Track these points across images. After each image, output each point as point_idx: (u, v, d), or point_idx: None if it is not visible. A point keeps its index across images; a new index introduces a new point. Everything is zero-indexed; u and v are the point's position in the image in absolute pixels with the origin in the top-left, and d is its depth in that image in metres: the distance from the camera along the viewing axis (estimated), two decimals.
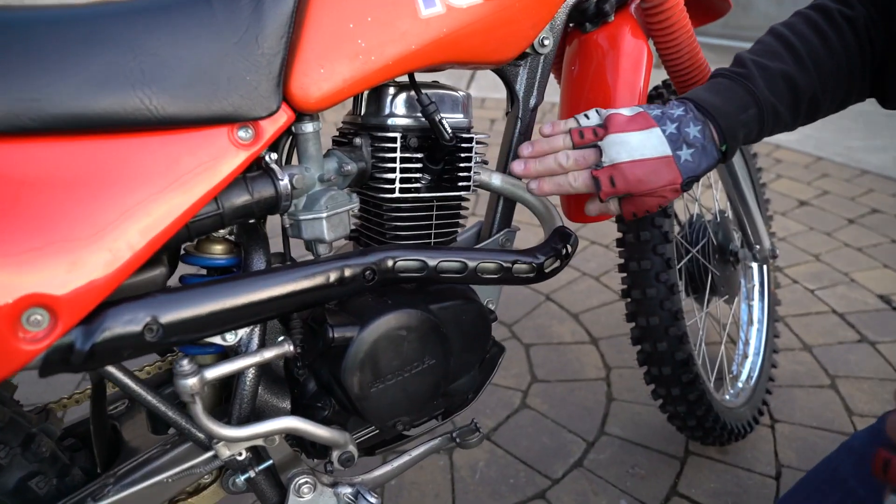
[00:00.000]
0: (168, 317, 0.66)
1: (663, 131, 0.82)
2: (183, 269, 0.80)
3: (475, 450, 1.46)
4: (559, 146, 0.86)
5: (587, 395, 1.65)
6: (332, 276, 0.74)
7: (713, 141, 0.84)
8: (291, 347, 0.74)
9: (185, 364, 0.68)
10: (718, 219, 1.49)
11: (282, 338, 0.78)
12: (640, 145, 0.81)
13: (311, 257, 0.81)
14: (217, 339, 0.74)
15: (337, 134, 0.92)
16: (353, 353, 0.76)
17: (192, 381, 0.68)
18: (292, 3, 0.70)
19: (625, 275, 1.18)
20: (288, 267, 0.74)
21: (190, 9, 0.67)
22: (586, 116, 0.87)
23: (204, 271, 0.83)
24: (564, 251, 0.90)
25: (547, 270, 0.88)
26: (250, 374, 0.77)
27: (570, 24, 1.09)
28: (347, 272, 0.75)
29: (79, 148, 0.63)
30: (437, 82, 0.91)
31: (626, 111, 0.85)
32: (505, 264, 0.84)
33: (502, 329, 1.90)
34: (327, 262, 0.75)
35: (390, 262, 0.77)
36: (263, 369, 0.82)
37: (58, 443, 0.81)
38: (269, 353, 0.73)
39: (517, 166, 0.88)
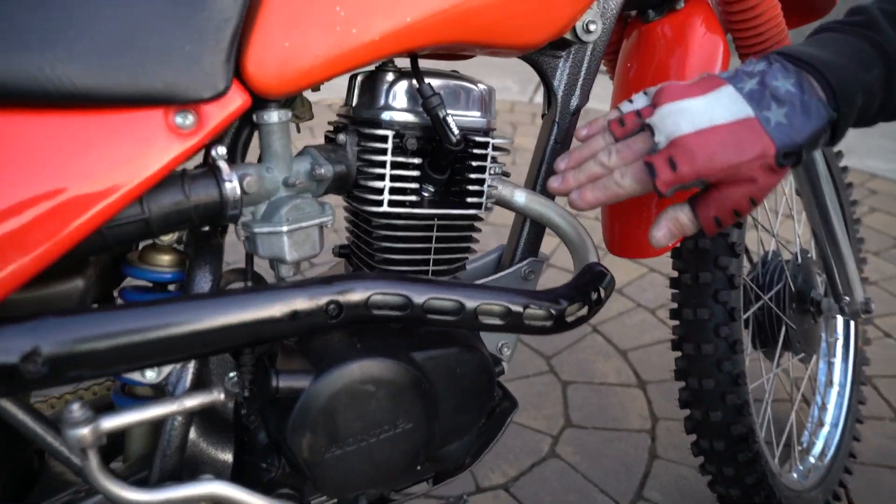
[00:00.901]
0: (56, 347, 0.51)
1: (739, 89, 0.61)
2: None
3: (488, 502, 1.28)
4: (599, 147, 0.68)
5: (627, 448, 1.43)
6: (281, 309, 0.57)
7: (817, 97, 0.60)
8: (222, 396, 0.58)
9: (76, 410, 0.53)
10: (799, 259, 1.26)
11: (218, 383, 0.62)
12: (706, 109, 0.60)
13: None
14: (135, 376, 0.59)
15: (330, 130, 0.76)
16: (302, 409, 0.59)
17: (82, 433, 0.52)
18: None
19: (677, 323, 0.98)
20: (224, 293, 0.58)
21: None
22: (629, 101, 0.68)
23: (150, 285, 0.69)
24: (595, 296, 0.71)
25: (569, 319, 0.69)
26: (178, 420, 0.62)
27: (631, 12, 0.90)
28: (302, 304, 0.58)
29: None
30: (456, 72, 0.74)
31: (682, 81, 0.65)
32: (514, 308, 0.66)
33: (538, 361, 1.70)
34: (277, 290, 0.58)
35: (360, 296, 0.60)
36: (204, 413, 0.67)
37: None
38: (190, 402, 0.57)
39: (554, 182, 0.71)
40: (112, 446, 0.75)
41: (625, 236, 0.87)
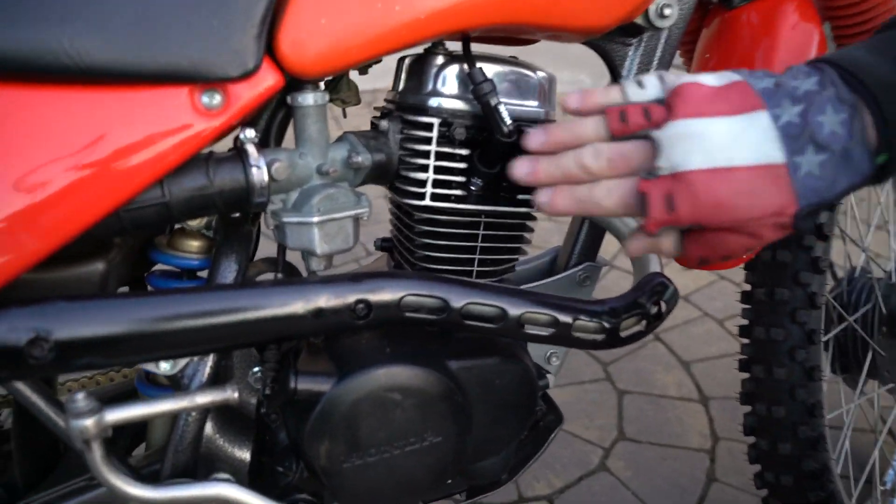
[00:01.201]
0: (64, 333, 0.48)
1: (775, 118, 0.47)
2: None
3: None
4: (587, 136, 0.53)
5: (683, 467, 1.34)
6: (304, 306, 0.53)
7: (863, 141, 0.47)
8: (236, 395, 0.55)
9: (80, 399, 0.50)
10: (894, 278, 1.13)
11: (238, 380, 0.58)
12: (728, 142, 0.47)
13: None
14: (150, 366, 0.56)
15: (376, 115, 0.71)
16: (321, 414, 0.55)
17: (85, 424, 0.50)
18: None
19: (747, 342, 0.89)
20: (243, 285, 0.54)
21: None
22: (639, 84, 0.52)
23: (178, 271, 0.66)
24: (655, 310, 0.63)
25: (623, 335, 0.62)
26: (192, 414, 0.59)
27: None
28: (327, 302, 0.54)
29: None
30: (515, 58, 0.68)
31: (710, 77, 0.50)
32: (562, 319, 0.59)
33: (595, 367, 1.62)
34: (301, 285, 0.54)
35: (391, 296, 0.55)
36: (223, 408, 0.64)
37: None
38: (201, 399, 0.54)
39: (522, 168, 0.54)
40: (138, 434, 0.74)
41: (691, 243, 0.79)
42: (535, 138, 0.55)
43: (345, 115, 0.79)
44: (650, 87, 0.51)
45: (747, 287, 0.91)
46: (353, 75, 0.74)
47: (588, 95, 0.54)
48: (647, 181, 0.49)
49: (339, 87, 0.70)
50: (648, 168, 0.50)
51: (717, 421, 1.47)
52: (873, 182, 0.50)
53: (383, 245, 0.77)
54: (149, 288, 0.67)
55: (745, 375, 0.90)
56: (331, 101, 0.72)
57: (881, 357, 1.07)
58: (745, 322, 0.90)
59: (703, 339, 1.74)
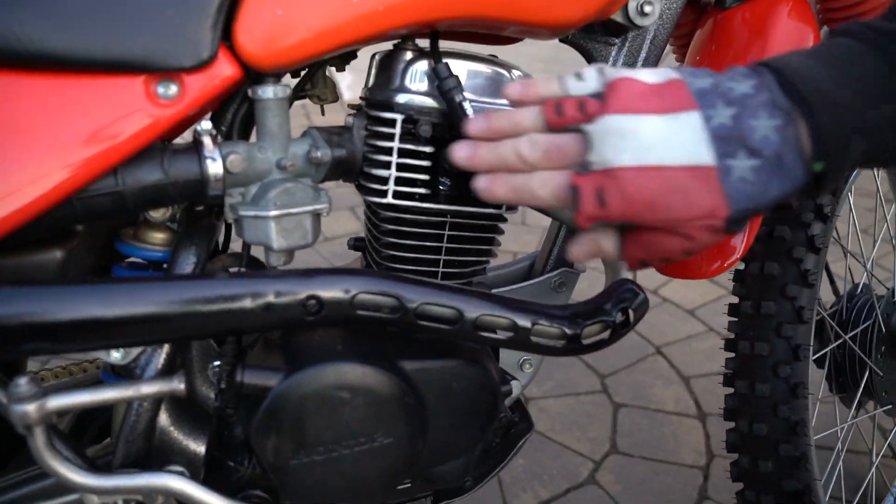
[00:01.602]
0: (6, 318, 0.48)
1: (706, 118, 0.47)
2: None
3: None
4: (525, 126, 0.52)
5: (675, 483, 1.31)
6: (254, 300, 0.52)
7: (799, 150, 0.46)
8: (182, 386, 0.54)
9: (23, 384, 0.50)
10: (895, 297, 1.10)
11: (192, 371, 0.58)
12: (658, 140, 0.47)
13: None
14: (101, 354, 0.56)
15: (351, 112, 0.70)
16: (268, 410, 0.54)
17: (27, 409, 0.50)
18: None
19: (731, 355, 0.86)
20: (193, 277, 0.54)
21: None
22: (578, 77, 0.51)
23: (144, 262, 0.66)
24: (621, 318, 0.62)
25: (586, 342, 0.60)
26: (143, 404, 0.58)
27: None
28: (277, 296, 0.53)
29: None
30: (494, 57, 0.67)
31: (647, 74, 0.50)
32: (521, 322, 0.58)
33: (592, 379, 1.60)
34: (251, 279, 0.54)
35: (343, 293, 0.54)
36: (179, 400, 0.63)
37: None
38: (147, 388, 0.54)
39: (461, 151, 0.54)
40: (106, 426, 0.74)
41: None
42: (475, 124, 0.55)
43: (323, 113, 0.79)
44: (589, 81, 0.51)
45: (736, 299, 0.88)
46: (332, 72, 0.74)
47: (529, 85, 0.53)
48: (580, 175, 0.49)
49: (315, 83, 0.70)
50: (582, 162, 0.49)
51: (714, 438, 1.43)
52: (810, 191, 0.49)
53: (356, 245, 0.76)
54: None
55: (730, 390, 0.88)
56: (307, 97, 0.72)
57: (878, 377, 1.03)
58: (731, 335, 0.87)
59: (706, 354, 1.71)
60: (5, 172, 0.48)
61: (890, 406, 1.07)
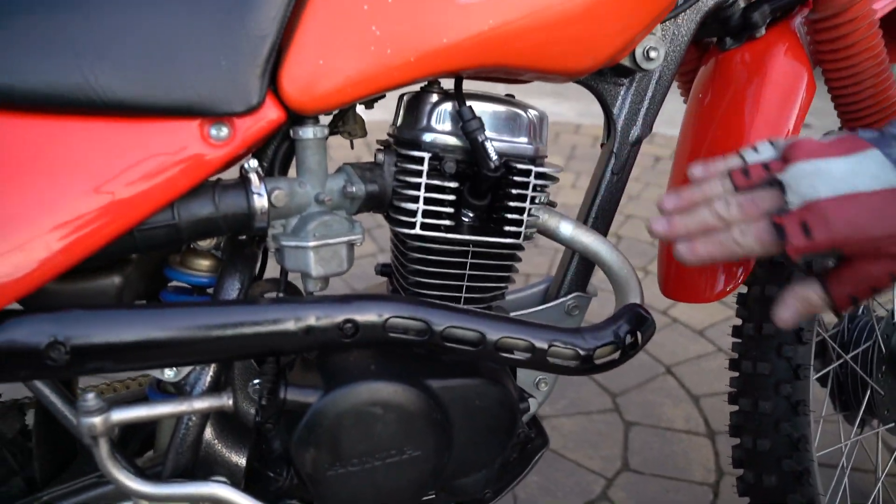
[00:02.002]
0: (79, 339, 0.54)
1: (886, 153, 0.53)
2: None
3: None
4: (715, 193, 0.59)
5: (685, 500, 1.34)
6: (296, 323, 0.58)
7: None
8: (230, 402, 0.59)
9: (91, 399, 0.55)
10: (895, 318, 1.14)
11: (237, 388, 0.63)
12: (848, 174, 0.53)
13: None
14: (156, 373, 0.61)
15: (379, 148, 0.76)
16: (307, 425, 0.59)
17: (94, 421, 0.55)
18: None
19: (735, 374, 0.91)
20: (240, 301, 0.59)
21: None
22: (754, 150, 0.60)
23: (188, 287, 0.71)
24: (630, 340, 0.67)
25: (598, 362, 0.65)
26: (192, 419, 0.64)
27: (712, 38, 0.85)
28: (317, 320, 0.58)
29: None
30: (511, 97, 0.72)
31: (818, 139, 0.58)
32: (538, 344, 0.63)
33: (604, 398, 1.63)
34: (293, 303, 0.59)
35: (377, 316, 0.60)
36: (223, 416, 0.68)
37: (10, 445, 0.73)
38: (199, 404, 0.59)
39: (658, 225, 0.61)
40: (148, 440, 0.79)
41: (680, 279, 0.82)
42: (669, 200, 0.62)
43: (352, 147, 0.85)
44: (764, 151, 0.59)
45: (739, 320, 0.93)
46: (361, 109, 0.79)
47: (710, 164, 0.61)
48: (781, 216, 0.54)
49: (346, 121, 0.76)
50: (779, 208, 0.55)
51: (723, 455, 1.47)
52: None
53: (383, 270, 0.81)
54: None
55: (734, 408, 0.92)
56: (338, 133, 0.78)
57: (880, 396, 1.07)
58: (735, 355, 0.92)
59: (715, 374, 1.74)
60: (77, 207, 0.54)
61: (893, 424, 1.11)
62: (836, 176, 0.53)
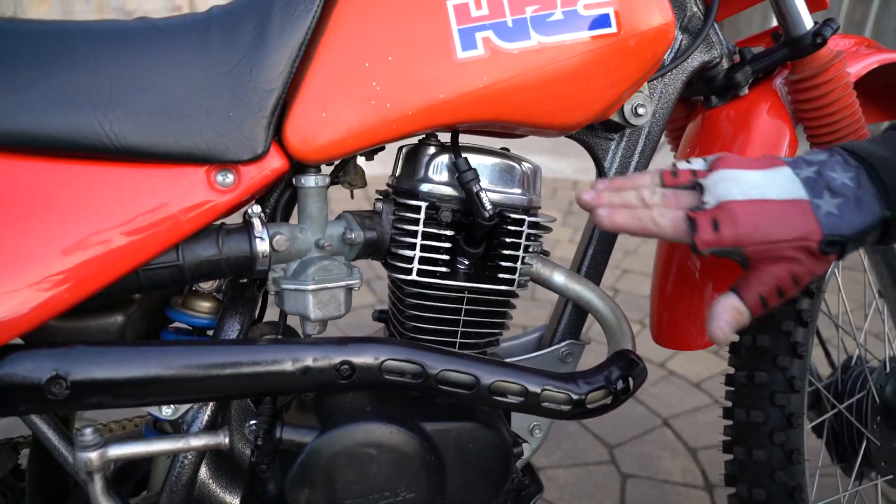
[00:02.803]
0: (80, 374, 0.55)
1: (796, 173, 0.60)
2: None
3: None
4: (644, 183, 0.65)
5: None
6: (293, 364, 0.59)
7: (873, 194, 0.59)
8: (226, 440, 0.60)
9: (88, 434, 0.56)
10: (888, 368, 1.15)
11: (234, 428, 0.64)
12: (760, 183, 0.60)
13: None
14: (154, 410, 0.62)
15: (378, 197, 0.79)
16: (303, 464, 0.60)
17: (90, 456, 0.56)
18: (302, 35, 0.59)
19: (729, 423, 0.91)
20: (239, 342, 0.61)
21: (185, 32, 0.59)
22: (687, 161, 0.66)
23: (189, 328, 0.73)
24: (622, 385, 0.68)
25: (590, 406, 0.66)
26: (188, 458, 0.64)
27: (699, 97, 0.89)
28: (314, 361, 0.60)
29: (16, 166, 0.55)
30: (506, 150, 0.75)
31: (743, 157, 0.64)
32: (531, 388, 0.65)
33: (601, 450, 1.62)
34: (291, 344, 0.60)
35: (373, 359, 0.61)
36: (219, 455, 0.69)
37: (1, 484, 0.73)
38: (195, 442, 0.60)
39: (586, 195, 0.65)
40: (143, 481, 0.79)
41: (673, 327, 0.83)
42: (600, 182, 0.67)
43: (352, 196, 0.88)
44: (695, 163, 0.65)
45: (731, 369, 0.94)
46: (361, 161, 0.83)
47: (644, 172, 0.69)
48: (696, 212, 0.61)
49: (347, 171, 0.79)
50: (696, 206, 0.61)
51: None
52: (884, 241, 0.60)
53: (380, 316, 0.83)
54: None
55: (729, 457, 0.92)
56: (339, 183, 0.81)
57: (876, 447, 1.07)
58: (728, 404, 0.93)
59: (712, 426, 1.73)
60: (85, 247, 0.56)
61: (891, 476, 1.10)
62: (750, 184, 0.60)
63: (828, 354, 1.16)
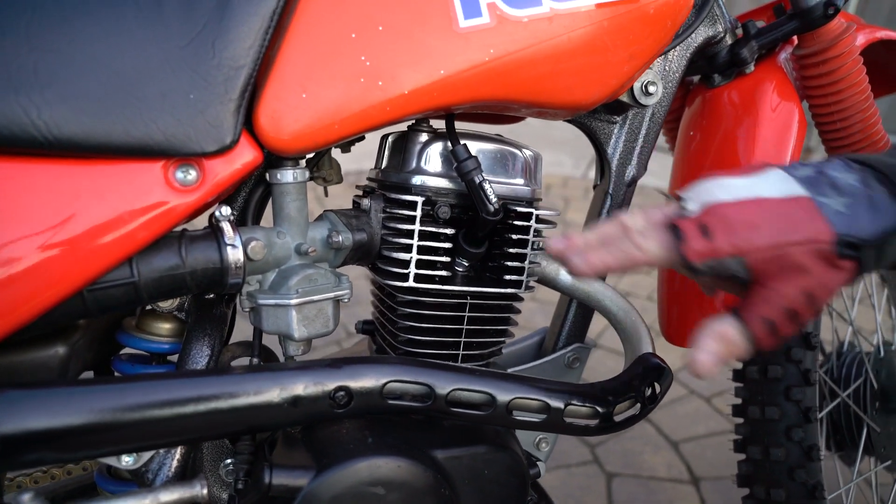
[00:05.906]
0: (10, 426, 0.44)
1: (790, 172, 0.50)
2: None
3: None
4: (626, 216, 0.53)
5: None
6: (280, 394, 0.50)
7: (886, 194, 0.49)
8: (204, 491, 0.50)
9: (26, 500, 0.45)
10: (882, 352, 1.12)
11: (208, 473, 0.54)
12: (749, 185, 0.50)
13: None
14: (111, 460, 0.51)
15: (359, 194, 0.69)
16: None
17: None
18: (274, 1, 0.49)
19: (741, 421, 0.86)
20: (213, 371, 0.51)
21: None
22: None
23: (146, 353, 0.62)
24: (649, 392, 0.61)
25: (618, 419, 0.59)
26: None
27: (694, 77, 0.83)
28: (304, 389, 0.50)
29: None
30: (500, 136, 0.67)
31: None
32: (554, 404, 0.56)
33: (582, 450, 1.56)
34: (276, 371, 0.51)
35: (373, 382, 0.52)
36: None
37: None
38: (166, 496, 0.50)
39: (555, 242, 0.51)
40: None
41: (683, 323, 0.77)
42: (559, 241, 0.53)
43: (326, 194, 0.78)
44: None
45: (738, 364, 0.88)
46: (336, 153, 0.73)
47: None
48: (680, 219, 0.50)
49: (321, 165, 0.69)
50: (678, 214, 0.50)
51: (710, 503, 1.41)
52: None
53: (364, 328, 0.73)
54: (114, 373, 0.63)
55: (741, 457, 0.87)
56: (312, 179, 0.71)
57: (876, 433, 1.04)
58: (739, 401, 0.87)
59: (691, 417, 1.70)
60: (10, 266, 0.45)
61: (890, 462, 1.07)
62: (737, 186, 0.50)
63: (820, 342, 1.13)
